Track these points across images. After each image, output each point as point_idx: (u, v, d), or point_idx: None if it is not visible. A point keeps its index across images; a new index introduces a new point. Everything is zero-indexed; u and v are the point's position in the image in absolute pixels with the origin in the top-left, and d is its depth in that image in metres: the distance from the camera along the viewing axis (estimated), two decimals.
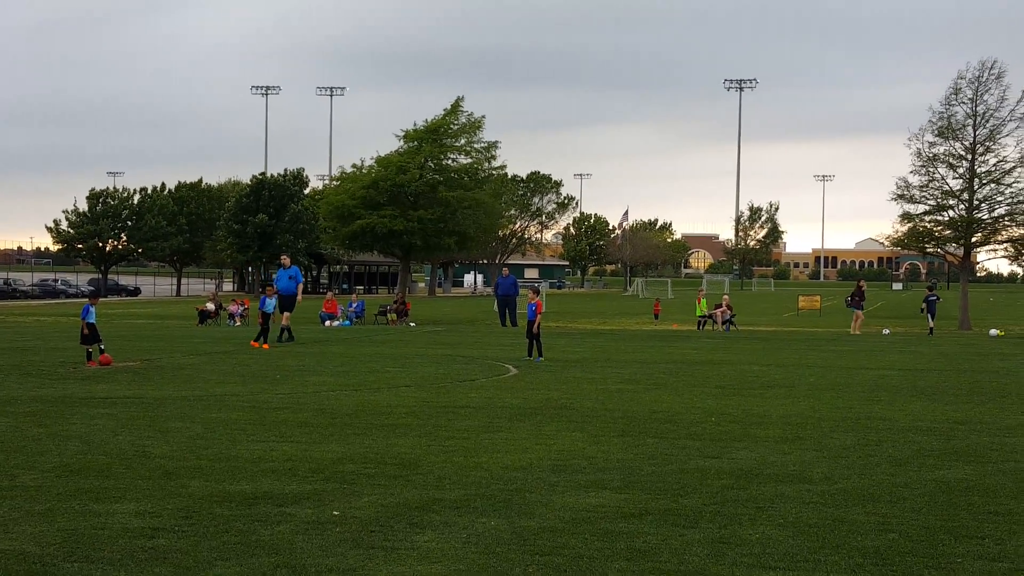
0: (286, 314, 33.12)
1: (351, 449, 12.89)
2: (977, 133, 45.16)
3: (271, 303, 31.44)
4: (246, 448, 12.91)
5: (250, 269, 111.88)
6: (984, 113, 45.01)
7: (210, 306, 46.42)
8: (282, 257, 36.04)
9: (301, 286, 34.38)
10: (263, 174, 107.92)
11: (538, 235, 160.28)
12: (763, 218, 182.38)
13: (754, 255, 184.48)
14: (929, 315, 43.78)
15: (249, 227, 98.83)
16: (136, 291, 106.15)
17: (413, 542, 8.63)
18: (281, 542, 8.58)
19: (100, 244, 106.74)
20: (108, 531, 8.84)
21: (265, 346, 29.98)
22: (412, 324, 45.66)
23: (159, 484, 10.69)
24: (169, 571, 7.78)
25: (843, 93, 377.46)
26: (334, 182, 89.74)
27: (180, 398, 17.99)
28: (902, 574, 7.91)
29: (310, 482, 10.87)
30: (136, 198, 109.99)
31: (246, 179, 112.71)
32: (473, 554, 8.31)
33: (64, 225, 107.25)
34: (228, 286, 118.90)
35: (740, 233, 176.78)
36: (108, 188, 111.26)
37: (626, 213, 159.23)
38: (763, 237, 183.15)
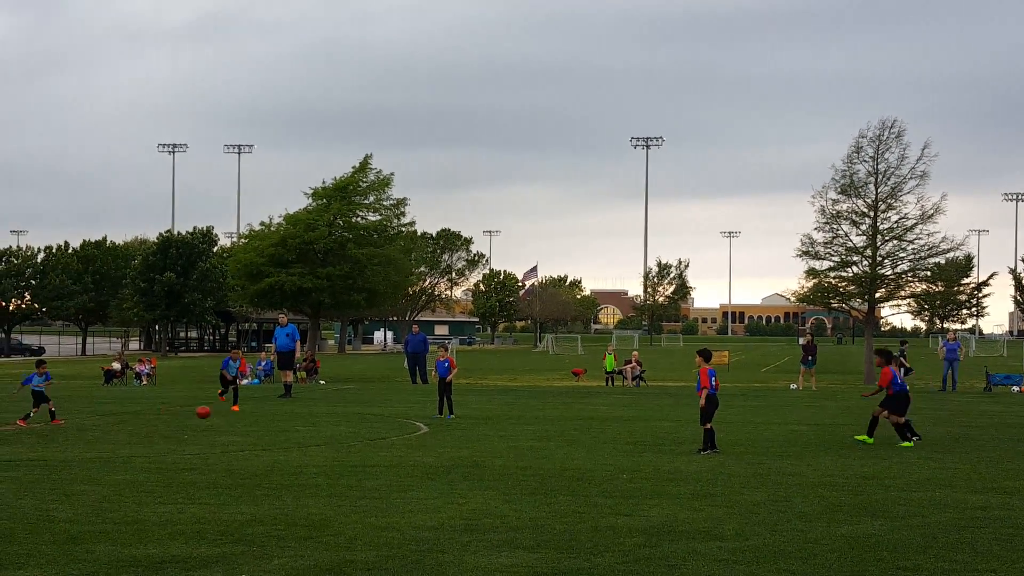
0: (288, 372, 34.88)
1: (260, 510, 12.72)
2: (879, 191, 45.99)
3: (234, 365, 31.63)
4: (153, 511, 12.68)
5: (157, 328, 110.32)
6: (885, 171, 45.86)
7: (116, 365, 45.74)
8: (280, 316, 37.66)
9: (299, 343, 35.88)
10: (170, 232, 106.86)
11: (448, 292, 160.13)
12: (672, 274, 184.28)
13: (663, 311, 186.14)
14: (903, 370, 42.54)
15: (156, 285, 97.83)
16: (40, 350, 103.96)
17: None
18: None
19: (3, 303, 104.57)
20: None
21: (235, 408, 29.35)
22: (322, 382, 45.27)
23: (64, 549, 10.45)
24: None
25: (748, 151, 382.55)
26: (242, 240, 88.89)
27: (85, 460, 17.64)
28: None
29: (219, 545, 10.70)
30: (40, 256, 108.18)
31: (153, 238, 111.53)
32: None
33: None
34: (135, 344, 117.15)
35: (649, 289, 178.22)
36: (11, 247, 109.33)
37: (534, 268, 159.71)
38: (671, 293, 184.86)
